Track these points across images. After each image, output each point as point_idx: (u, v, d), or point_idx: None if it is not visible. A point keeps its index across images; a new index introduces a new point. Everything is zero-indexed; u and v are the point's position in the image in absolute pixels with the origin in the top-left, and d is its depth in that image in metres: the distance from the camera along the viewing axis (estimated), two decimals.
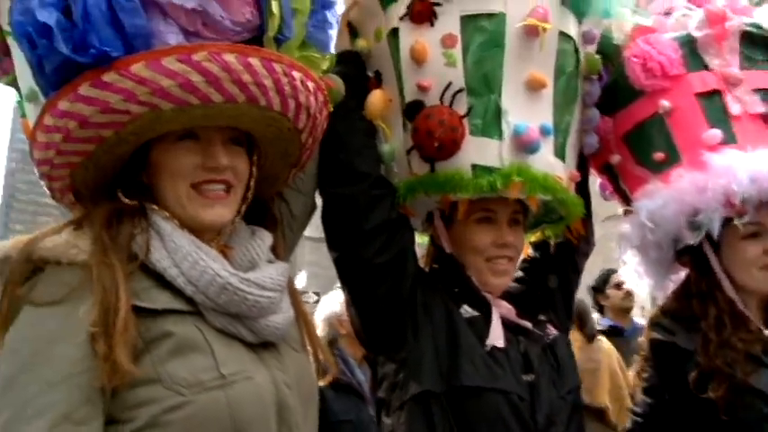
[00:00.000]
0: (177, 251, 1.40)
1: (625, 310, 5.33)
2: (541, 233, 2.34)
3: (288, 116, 1.50)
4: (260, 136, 1.56)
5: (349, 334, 3.67)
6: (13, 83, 1.76)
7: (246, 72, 1.36)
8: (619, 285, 5.13)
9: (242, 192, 1.56)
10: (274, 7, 1.49)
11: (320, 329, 3.83)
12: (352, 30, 2.19)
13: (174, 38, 1.38)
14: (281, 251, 1.68)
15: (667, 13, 2.37)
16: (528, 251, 2.35)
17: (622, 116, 2.29)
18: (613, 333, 5.20)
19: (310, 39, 1.66)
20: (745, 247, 2.11)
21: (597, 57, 2.18)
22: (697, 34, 2.21)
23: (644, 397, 2.23)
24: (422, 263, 2.15)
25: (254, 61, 1.38)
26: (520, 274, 2.30)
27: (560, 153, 2.06)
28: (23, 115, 1.78)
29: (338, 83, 1.87)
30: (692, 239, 2.10)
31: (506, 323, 2.00)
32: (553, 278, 2.24)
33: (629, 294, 5.13)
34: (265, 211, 1.71)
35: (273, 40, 1.52)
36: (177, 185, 1.46)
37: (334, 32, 1.75)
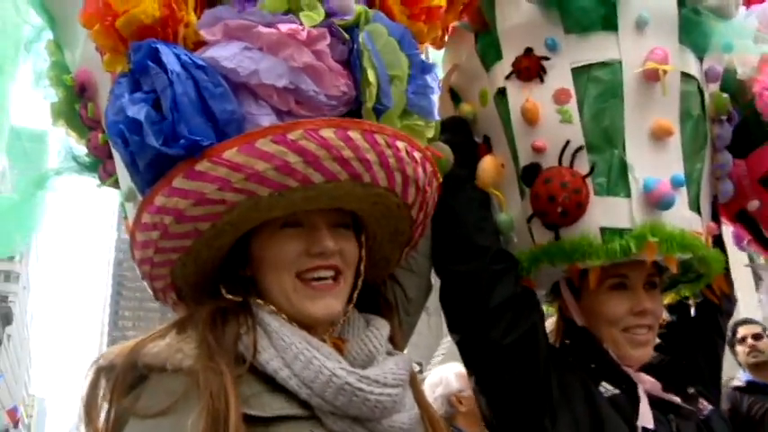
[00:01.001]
0: (287, 350, 1.28)
1: (755, 366, 4.95)
2: (677, 294, 2.12)
3: (395, 191, 1.38)
4: (367, 215, 1.45)
5: (469, 412, 3.46)
6: (116, 184, 1.71)
7: (347, 147, 1.26)
8: (743, 339, 4.79)
9: (352, 278, 1.44)
10: (371, 76, 1.38)
11: (434, 406, 3.64)
12: (454, 95, 2.07)
13: (267, 119, 1.30)
14: (399, 340, 1.54)
15: None
16: (664, 316, 2.14)
17: (757, 157, 2.06)
18: (752, 390, 4.77)
19: (412, 107, 1.54)
20: None
21: (725, 95, 1.99)
22: None
23: None
24: (550, 338, 1.96)
25: (355, 134, 1.27)
26: (657, 341, 2.09)
27: (695, 205, 1.86)
28: (125, 216, 1.72)
29: (446, 151, 1.74)
30: None
31: (653, 400, 1.80)
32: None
33: (755, 348, 4.77)
34: (378, 297, 1.58)
35: (372, 110, 1.41)
36: (282, 277, 1.36)
37: (436, 98, 1.62)
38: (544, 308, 1.97)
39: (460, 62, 2.09)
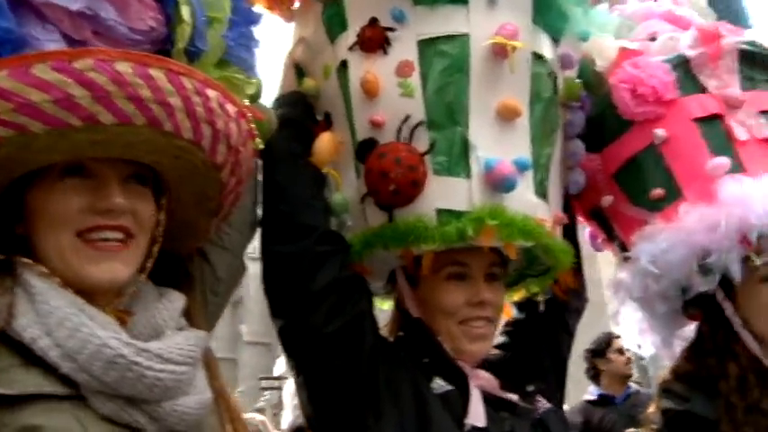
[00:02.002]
0: (51, 315, 1.07)
1: (625, 378, 5.00)
2: (526, 290, 2.01)
3: (202, 146, 1.20)
4: (168, 172, 1.25)
5: None
6: None
7: (146, 86, 1.07)
8: (622, 350, 4.81)
9: (146, 244, 1.24)
10: (185, 13, 1.21)
11: (290, 414, 3.42)
12: (299, 71, 1.91)
13: (54, 46, 1.09)
14: (199, 318, 1.34)
15: (652, 39, 2.10)
16: (510, 312, 2.02)
17: (611, 151, 1.99)
18: (603, 403, 4.93)
19: (231, 56, 1.37)
20: (766, 290, 1.78)
21: (578, 81, 1.90)
22: (690, 54, 1.94)
23: None
24: (386, 331, 1.81)
25: (157, 73, 1.08)
26: (502, 339, 1.97)
27: (541, 191, 1.75)
28: None
29: (269, 113, 1.58)
30: (704, 286, 1.77)
31: (488, 397, 1.67)
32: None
33: (630, 360, 4.81)
34: (178, 270, 1.38)
35: (184, 53, 1.23)
36: (59, 234, 1.14)
37: (259, 53, 1.45)
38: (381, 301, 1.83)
39: (307, 35, 1.93)
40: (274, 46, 2.49)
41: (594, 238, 2.22)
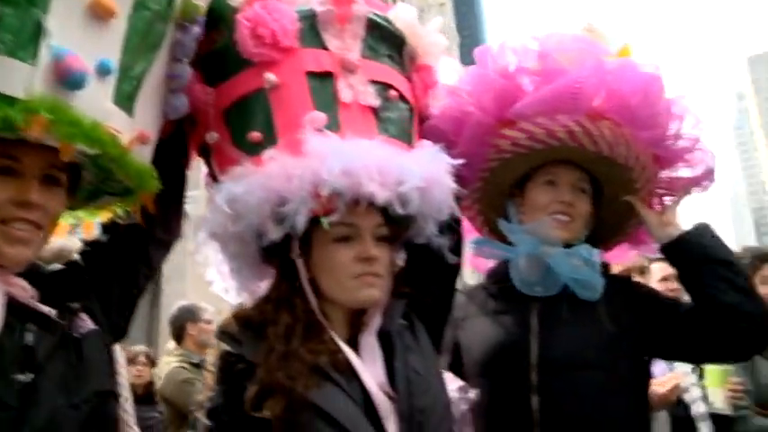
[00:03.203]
0: None
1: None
2: (111, 210, 1.91)
3: None
4: None
5: None
6: None
7: None
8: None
9: None
10: None
11: None
12: None
13: None
14: None
15: None
16: (94, 232, 1.92)
17: (226, 88, 1.95)
18: None
19: None
20: (336, 251, 1.83)
21: (197, 3, 1.84)
22: (319, 9, 1.95)
23: (205, 420, 1.86)
24: None
25: None
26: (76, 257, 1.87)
27: (124, 102, 1.65)
28: None
29: None
30: (276, 234, 1.78)
31: (16, 305, 1.55)
32: None
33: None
34: None
35: None
36: None
37: None
38: None
39: None
40: None
41: None
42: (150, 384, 5.94)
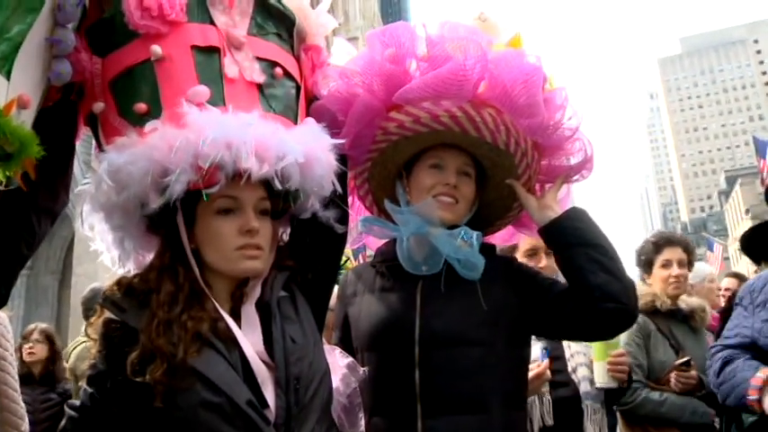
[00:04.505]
0: None
1: None
2: None
3: None
4: None
5: None
6: None
7: None
8: None
9: None
10: None
11: None
12: None
13: None
14: None
15: None
16: None
17: (113, 58, 1.95)
18: None
19: None
20: (218, 223, 1.88)
21: None
22: None
23: (87, 387, 1.87)
24: None
25: None
26: None
27: (2, 67, 1.65)
28: None
29: None
30: (157, 204, 1.81)
31: None
32: None
33: None
34: None
35: None
36: None
37: None
38: None
39: None
40: None
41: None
42: (49, 364, 5.81)
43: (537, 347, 3.39)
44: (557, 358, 3.54)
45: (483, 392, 2.26)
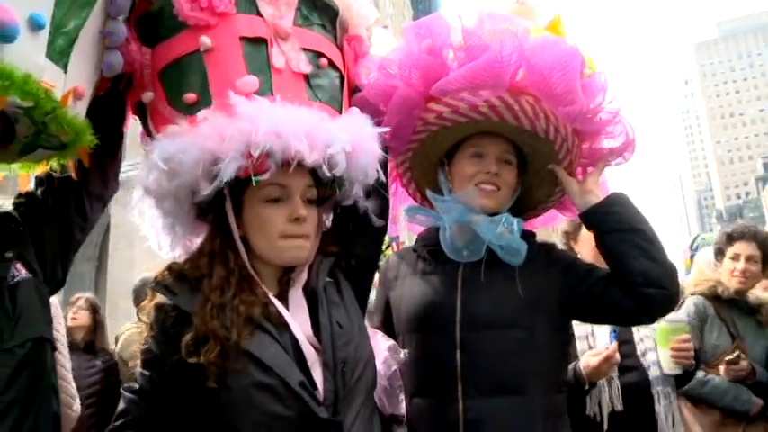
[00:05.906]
0: None
1: None
2: (46, 163, 1.97)
3: None
4: None
5: None
6: None
7: None
8: None
9: None
10: None
11: None
12: None
13: None
14: None
15: None
16: (29, 185, 1.97)
17: (162, 49, 2.01)
18: None
19: None
20: (266, 211, 1.92)
21: None
22: None
23: (143, 370, 1.94)
24: None
25: None
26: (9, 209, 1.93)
27: (58, 58, 1.72)
28: None
29: None
30: (208, 191, 1.85)
31: None
32: None
33: None
34: None
35: None
36: None
37: None
38: None
39: None
40: None
41: None
42: (91, 333, 5.97)
43: (605, 330, 3.37)
44: (625, 342, 3.49)
45: (523, 374, 2.29)
